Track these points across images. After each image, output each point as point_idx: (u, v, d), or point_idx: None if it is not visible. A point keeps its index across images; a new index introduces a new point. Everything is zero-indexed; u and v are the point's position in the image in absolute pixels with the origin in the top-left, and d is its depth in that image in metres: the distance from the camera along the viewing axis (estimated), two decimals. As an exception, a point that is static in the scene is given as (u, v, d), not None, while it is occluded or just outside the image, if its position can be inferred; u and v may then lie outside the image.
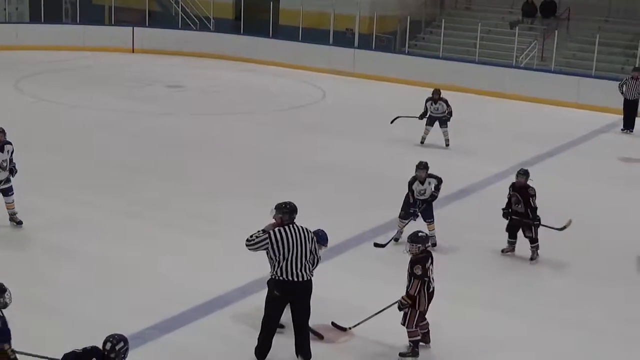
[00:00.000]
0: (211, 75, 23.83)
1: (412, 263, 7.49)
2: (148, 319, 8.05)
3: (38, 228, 10.52)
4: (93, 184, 12.57)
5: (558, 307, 9.02)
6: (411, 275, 7.48)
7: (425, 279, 7.47)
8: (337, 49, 24.97)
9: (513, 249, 10.46)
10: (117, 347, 5.92)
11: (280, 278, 7.11)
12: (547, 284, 9.78)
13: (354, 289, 8.89)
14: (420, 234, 7.72)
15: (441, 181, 10.35)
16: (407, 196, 10.46)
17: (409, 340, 7.63)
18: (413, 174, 10.38)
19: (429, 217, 10.46)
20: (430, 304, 7.66)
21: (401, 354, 7.65)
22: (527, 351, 8.08)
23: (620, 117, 18.64)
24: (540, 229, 10.21)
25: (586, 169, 15.22)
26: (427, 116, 15.83)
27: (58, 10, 29.33)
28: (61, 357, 6.05)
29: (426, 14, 26.62)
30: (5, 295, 6.31)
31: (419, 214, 10.38)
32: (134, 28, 26.97)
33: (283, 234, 7.12)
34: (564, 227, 10.34)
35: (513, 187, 10.30)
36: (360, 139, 16.55)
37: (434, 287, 7.63)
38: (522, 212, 10.18)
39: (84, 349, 6.01)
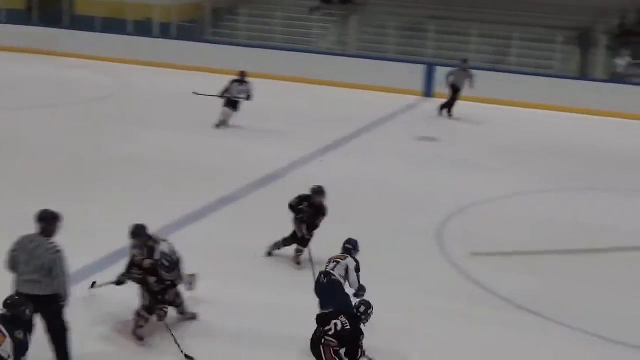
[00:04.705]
0: (4, 68, 22.66)
1: None
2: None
3: None
4: None
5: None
6: None
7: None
8: (138, 39, 24.49)
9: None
10: (368, 311, 7.00)
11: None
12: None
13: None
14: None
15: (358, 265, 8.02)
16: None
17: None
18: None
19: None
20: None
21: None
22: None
23: (416, 98, 19.39)
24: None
25: (386, 149, 15.81)
26: (230, 96, 16.15)
27: None
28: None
29: (227, 1, 26.61)
30: (27, 311, 6.26)
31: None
32: None
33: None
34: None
35: (308, 203, 9.53)
36: (165, 127, 16.39)
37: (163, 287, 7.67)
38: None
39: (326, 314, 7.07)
